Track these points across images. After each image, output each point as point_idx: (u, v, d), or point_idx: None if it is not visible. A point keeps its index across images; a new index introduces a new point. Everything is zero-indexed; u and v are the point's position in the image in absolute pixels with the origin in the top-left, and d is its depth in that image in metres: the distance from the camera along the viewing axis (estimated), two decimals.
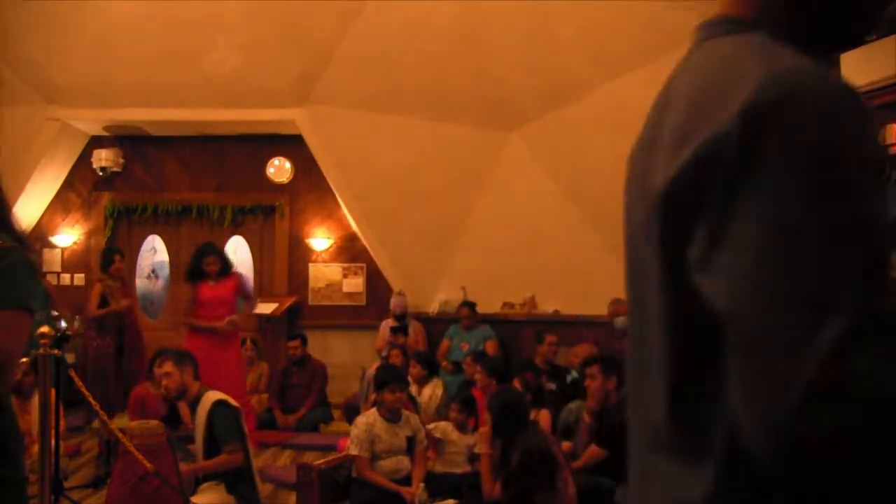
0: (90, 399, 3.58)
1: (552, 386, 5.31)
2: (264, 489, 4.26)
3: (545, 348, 5.68)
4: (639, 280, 0.78)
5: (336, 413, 6.48)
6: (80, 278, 7.82)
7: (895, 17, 4.14)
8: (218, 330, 5.53)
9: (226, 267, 5.82)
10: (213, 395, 3.71)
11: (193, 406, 3.77)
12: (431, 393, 5.56)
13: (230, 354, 5.68)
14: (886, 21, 4.17)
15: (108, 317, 6.09)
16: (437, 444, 4.47)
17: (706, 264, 0.63)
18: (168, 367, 3.76)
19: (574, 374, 5.32)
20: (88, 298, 6.42)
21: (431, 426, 4.61)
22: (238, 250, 8.08)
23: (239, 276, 5.98)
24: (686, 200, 0.64)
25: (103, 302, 6.11)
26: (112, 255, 6.37)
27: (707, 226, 0.62)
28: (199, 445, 3.67)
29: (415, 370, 5.60)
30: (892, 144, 4.12)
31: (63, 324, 7.35)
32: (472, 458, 4.38)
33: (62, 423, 4.47)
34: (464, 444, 4.43)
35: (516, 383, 4.86)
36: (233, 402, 3.75)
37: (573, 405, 4.70)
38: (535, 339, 5.96)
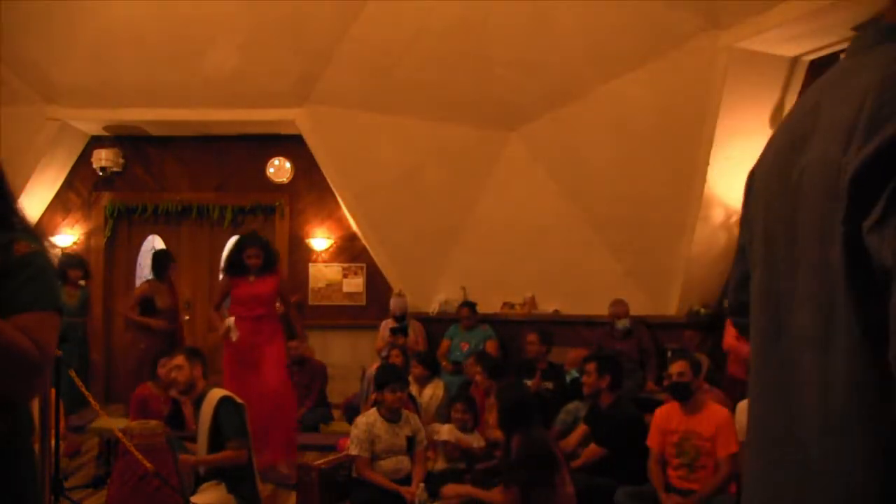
0: (90, 399, 3.59)
1: (549, 385, 5.31)
2: (264, 489, 4.26)
3: (528, 347, 5.65)
4: (780, 269, 0.83)
5: (336, 413, 6.48)
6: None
7: None
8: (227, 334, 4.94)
9: (269, 262, 5.09)
10: (219, 392, 3.73)
11: (198, 403, 3.78)
12: (432, 393, 5.56)
13: (275, 346, 5.09)
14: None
15: (160, 317, 5.85)
16: (442, 446, 4.48)
17: (880, 223, 0.67)
18: (179, 360, 3.83)
19: (574, 373, 5.31)
20: (132, 294, 6.26)
21: (435, 429, 4.61)
22: None
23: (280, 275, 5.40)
24: (880, 177, 0.70)
25: (145, 304, 5.89)
26: (167, 262, 6.12)
27: (890, 190, 0.67)
28: (202, 442, 3.67)
29: (416, 370, 5.60)
30: None
31: None
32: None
33: (62, 422, 4.47)
34: (465, 444, 4.45)
35: None
36: (238, 399, 3.76)
37: (571, 406, 4.70)
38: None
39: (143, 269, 8.13)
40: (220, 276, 5.35)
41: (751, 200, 0.98)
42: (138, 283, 8.12)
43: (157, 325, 5.85)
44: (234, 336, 4.88)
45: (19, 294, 1.42)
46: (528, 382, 5.21)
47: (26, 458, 1.50)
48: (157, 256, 6.22)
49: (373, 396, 4.60)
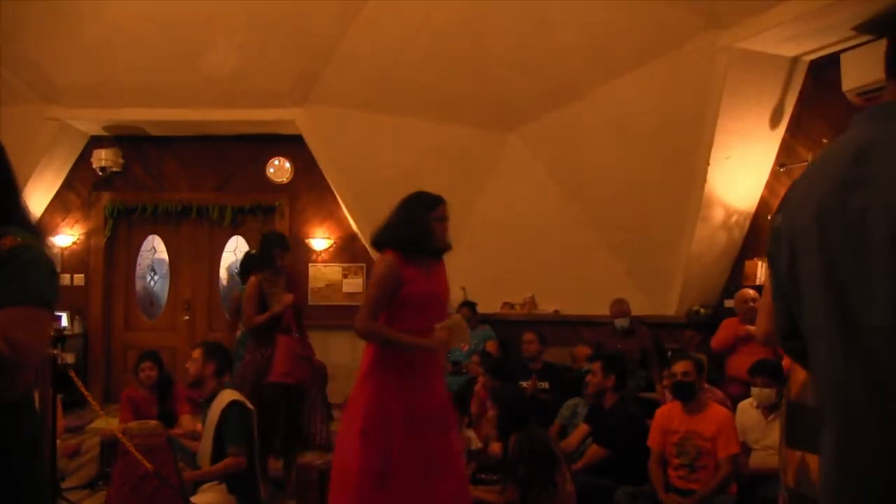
0: (90, 399, 3.58)
1: (545, 385, 5.30)
2: (264, 489, 4.25)
3: (527, 346, 5.62)
4: (852, 293, 1.02)
5: (336, 413, 6.47)
6: (79, 278, 7.82)
7: (895, 16, 4.14)
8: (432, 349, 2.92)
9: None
10: (229, 395, 3.72)
11: (208, 402, 3.77)
12: None
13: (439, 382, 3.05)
14: (886, 21, 4.17)
15: (271, 318, 4.57)
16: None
17: None
18: (196, 353, 3.86)
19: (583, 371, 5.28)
20: (244, 301, 4.72)
21: None
22: (238, 250, 8.08)
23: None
24: None
25: (262, 304, 4.60)
26: (271, 249, 4.69)
27: None
28: (206, 443, 3.66)
29: None
30: None
31: (64, 323, 7.38)
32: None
33: (61, 422, 4.47)
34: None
35: None
36: (248, 404, 3.74)
37: (570, 402, 4.69)
38: None
39: (142, 270, 8.13)
40: (383, 262, 2.95)
41: (795, 239, 1.13)
42: (137, 283, 8.13)
43: (289, 300, 4.51)
44: (466, 343, 3.00)
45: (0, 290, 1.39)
46: (525, 384, 5.19)
47: (29, 461, 1.48)
48: (262, 241, 4.91)
49: None
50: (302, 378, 4.45)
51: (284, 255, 4.74)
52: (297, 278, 4.97)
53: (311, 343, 4.70)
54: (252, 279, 4.65)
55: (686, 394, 3.68)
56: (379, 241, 3.06)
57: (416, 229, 3.02)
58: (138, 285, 8.09)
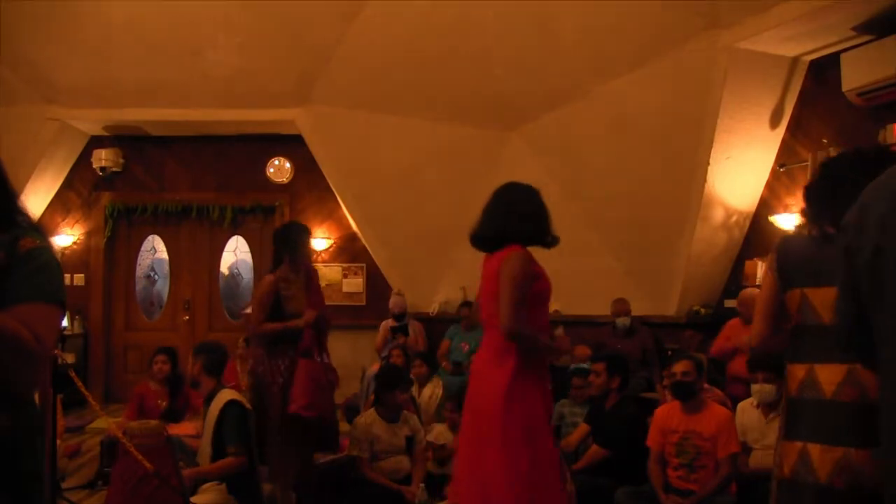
0: (90, 399, 3.58)
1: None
2: (264, 489, 4.25)
3: None
4: None
5: (336, 413, 6.46)
6: (79, 278, 7.82)
7: (895, 16, 4.14)
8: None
9: None
10: (227, 394, 3.72)
11: (207, 401, 3.78)
12: (431, 393, 5.57)
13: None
14: (886, 21, 4.17)
15: (284, 332, 3.91)
16: (437, 449, 4.46)
17: None
18: (190, 355, 3.95)
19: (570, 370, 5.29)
20: (254, 303, 4.12)
21: (430, 435, 4.59)
22: (238, 250, 8.09)
23: None
24: None
25: (276, 308, 3.92)
26: (297, 239, 4.01)
27: None
28: (205, 443, 3.67)
29: (421, 369, 5.61)
30: (893, 144, 4.13)
31: (64, 323, 7.38)
32: None
33: (61, 422, 4.47)
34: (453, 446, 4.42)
35: None
36: (247, 404, 3.74)
37: (557, 404, 4.69)
38: None
39: (143, 269, 8.13)
40: (518, 257, 2.82)
41: (887, 233, 1.12)
42: (138, 283, 8.13)
43: (311, 316, 3.89)
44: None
45: (21, 286, 1.43)
46: None
47: (29, 456, 1.49)
48: (284, 232, 4.13)
49: (372, 397, 4.59)
50: (324, 409, 3.92)
51: (308, 246, 4.17)
52: (316, 278, 4.16)
53: (332, 364, 4.19)
54: (267, 279, 4.01)
55: (686, 394, 3.68)
56: (504, 237, 2.85)
57: (546, 221, 2.93)
58: (138, 285, 8.10)
